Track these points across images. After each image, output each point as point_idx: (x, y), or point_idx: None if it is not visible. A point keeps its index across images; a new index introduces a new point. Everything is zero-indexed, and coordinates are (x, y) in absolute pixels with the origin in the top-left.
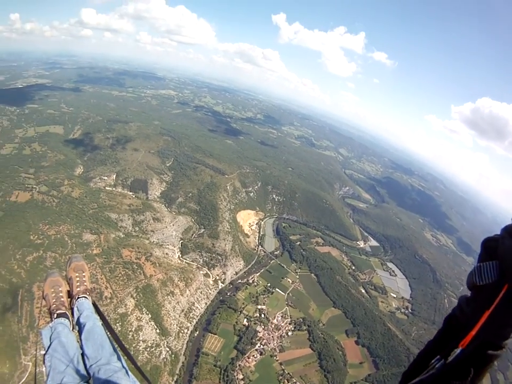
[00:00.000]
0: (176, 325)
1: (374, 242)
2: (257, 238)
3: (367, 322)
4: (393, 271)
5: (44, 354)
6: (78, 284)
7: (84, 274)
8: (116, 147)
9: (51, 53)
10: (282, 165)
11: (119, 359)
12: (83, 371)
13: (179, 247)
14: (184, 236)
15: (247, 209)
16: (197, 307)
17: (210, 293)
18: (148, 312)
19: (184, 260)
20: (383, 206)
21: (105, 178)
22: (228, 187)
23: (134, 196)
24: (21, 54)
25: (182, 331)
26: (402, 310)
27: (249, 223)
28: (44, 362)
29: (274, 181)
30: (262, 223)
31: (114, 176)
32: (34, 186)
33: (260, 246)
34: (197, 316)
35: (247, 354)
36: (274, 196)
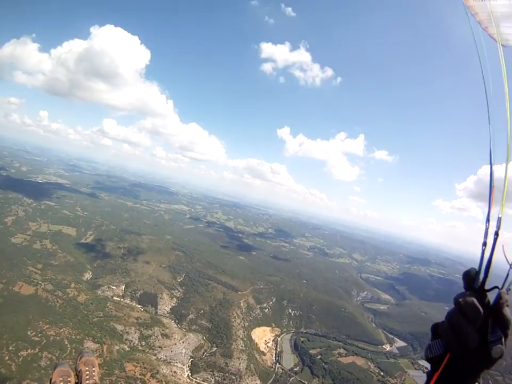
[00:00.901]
0: None
1: (401, 343)
2: (274, 355)
3: None
4: (426, 367)
5: None
6: (88, 377)
7: (94, 369)
8: (127, 258)
9: (72, 155)
10: (297, 278)
11: None
12: None
13: (189, 366)
14: (195, 354)
15: (262, 325)
16: None
17: None
18: None
19: (194, 380)
20: (405, 303)
21: (114, 287)
22: (242, 304)
23: (142, 309)
24: (45, 150)
25: None
26: None
27: (265, 340)
28: None
29: (289, 295)
30: (279, 339)
31: (123, 286)
32: (40, 282)
33: (277, 364)
34: None
35: None
36: (290, 310)
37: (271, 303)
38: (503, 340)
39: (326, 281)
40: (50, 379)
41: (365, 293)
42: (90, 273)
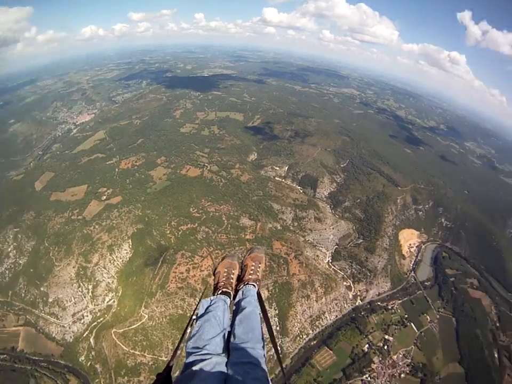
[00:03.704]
0: (298, 328)
1: None
2: (412, 262)
3: None
4: None
5: (196, 319)
6: (252, 272)
7: (259, 265)
8: (293, 140)
9: (236, 47)
10: (459, 186)
11: (263, 347)
12: (224, 346)
13: (332, 252)
14: (341, 242)
15: (412, 228)
16: (326, 317)
17: (344, 307)
18: (276, 308)
19: (332, 266)
20: None
21: (277, 168)
22: (398, 200)
23: (301, 191)
24: (207, 48)
25: (301, 336)
26: None
27: (410, 244)
28: (189, 325)
29: (447, 203)
30: (423, 246)
31: (286, 168)
32: (206, 164)
33: (412, 272)
34: (322, 326)
35: (350, 381)
36: (443, 219)
37: (427, 206)
38: None
39: (487, 199)
40: (215, 268)
41: None
42: (256, 155)
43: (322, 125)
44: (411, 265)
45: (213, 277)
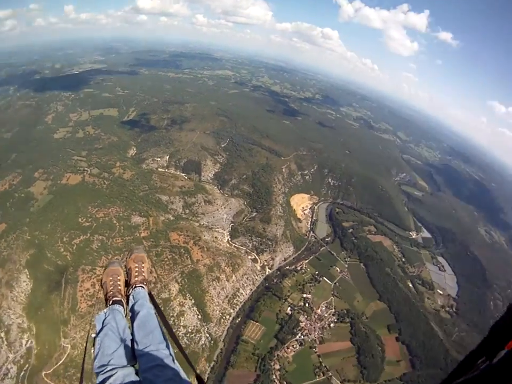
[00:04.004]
0: (219, 311)
1: (426, 234)
2: (309, 223)
3: (411, 319)
4: (442, 266)
5: (95, 337)
6: (137, 273)
7: (143, 265)
8: (171, 128)
9: (107, 39)
10: (340, 148)
11: (167, 347)
12: (131, 355)
13: (229, 231)
14: (235, 219)
15: (302, 192)
16: (242, 293)
17: (256, 279)
18: (191, 298)
19: (233, 244)
20: (439, 195)
21: (158, 159)
22: (283, 169)
23: (186, 178)
24: (78, 43)
25: (224, 317)
26: (447, 309)
27: (303, 207)
28: (93, 345)
29: (331, 164)
30: (316, 207)
31: (167, 157)
32: (86, 168)
33: (311, 232)
34: (241, 302)
35: (286, 344)
36: (330, 179)
37: (312, 170)
38: None
39: (368, 155)
40: (101, 279)
41: (404, 174)
42: (135, 149)
43: (198, 109)
44: (308, 226)
45: (101, 289)
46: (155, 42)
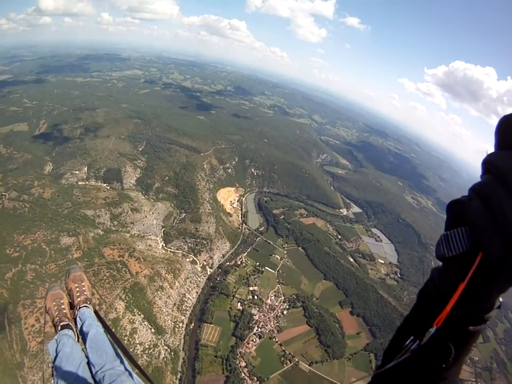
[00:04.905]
0: (171, 320)
1: (356, 209)
2: (240, 216)
3: (360, 292)
4: (378, 236)
5: (52, 367)
6: (78, 294)
7: (83, 284)
8: (85, 137)
9: (10, 47)
10: (258, 137)
11: (122, 362)
12: (90, 379)
13: (162, 236)
14: (166, 223)
15: (227, 186)
16: (189, 298)
17: (200, 281)
18: (139, 313)
19: (169, 249)
20: (362, 171)
21: (77, 172)
22: (205, 165)
23: (108, 188)
24: None
25: (178, 326)
26: (392, 276)
27: (230, 201)
28: (52, 375)
29: (252, 155)
30: (243, 199)
31: (86, 168)
32: (4, 193)
33: (243, 224)
34: (190, 307)
35: (246, 340)
36: (252, 169)
37: (233, 162)
38: None
39: (287, 141)
40: (45, 306)
41: (325, 155)
42: (51, 165)
43: (110, 113)
44: (240, 219)
45: (47, 316)
46: (60, 46)
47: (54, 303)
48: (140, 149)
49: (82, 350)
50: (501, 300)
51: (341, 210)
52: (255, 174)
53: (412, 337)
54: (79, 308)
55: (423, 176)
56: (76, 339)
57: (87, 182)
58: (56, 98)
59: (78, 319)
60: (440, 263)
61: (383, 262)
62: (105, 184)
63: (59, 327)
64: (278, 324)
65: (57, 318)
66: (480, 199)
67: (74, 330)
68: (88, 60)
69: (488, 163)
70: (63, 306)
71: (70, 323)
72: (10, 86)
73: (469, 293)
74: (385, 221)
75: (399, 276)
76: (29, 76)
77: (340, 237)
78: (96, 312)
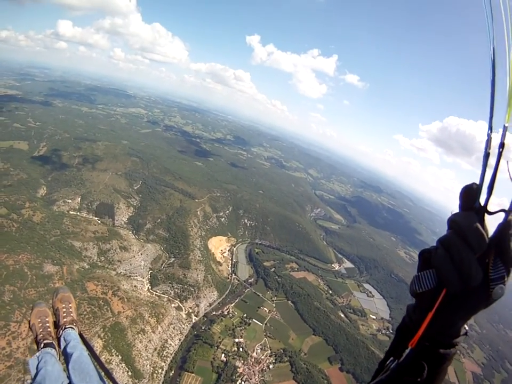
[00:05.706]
0: (150, 365)
1: (348, 264)
2: (230, 266)
3: (350, 348)
4: (370, 292)
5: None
6: (65, 314)
7: (70, 305)
8: (83, 167)
9: (24, 64)
10: (253, 188)
11: None
12: None
13: (148, 278)
14: (154, 266)
15: (219, 235)
16: (171, 344)
17: (183, 328)
18: (117, 354)
19: (154, 293)
20: (355, 226)
21: (70, 201)
22: (198, 212)
23: (99, 222)
24: None
25: (156, 371)
26: (383, 331)
27: (221, 250)
28: None
29: (246, 205)
30: (235, 249)
31: (79, 199)
32: None
33: (233, 274)
34: (171, 354)
35: None
36: (246, 220)
37: (227, 212)
38: (505, 278)
39: (282, 194)
40: (29, 322)
41: (318, 209)
42: (45, 189)
43: (110, 147)
44: (229, 268)
45: (30, 332)
46: (71, 72)
47: (39, 320)
48: (135, 188)
49: (64, 371)
50: (466, 328)
51: (333, 265)
52: (248, 224)
53: (391, 358)
54: (65, 328)
55: (415, 230)
56: (58, 359)
57: (78, 213)
58: (60, 124)
59: (62, 339)
60: (414, 301)
61: (374, 317)
62: (96, 218)
63: (42, 345)
64: (263, 378)
65: (41, 335)
66: (444, 248)
67: (57, 350)
68: (96, 92)
69: (452, 221)
70: (47, 324)
71: (53, 342)
72: (18, 102)
73: (436, 320)
74: (378, 276)
75: (390, 331)
76: (37, 96)
77: (331, 292)
78: (81, 335)
